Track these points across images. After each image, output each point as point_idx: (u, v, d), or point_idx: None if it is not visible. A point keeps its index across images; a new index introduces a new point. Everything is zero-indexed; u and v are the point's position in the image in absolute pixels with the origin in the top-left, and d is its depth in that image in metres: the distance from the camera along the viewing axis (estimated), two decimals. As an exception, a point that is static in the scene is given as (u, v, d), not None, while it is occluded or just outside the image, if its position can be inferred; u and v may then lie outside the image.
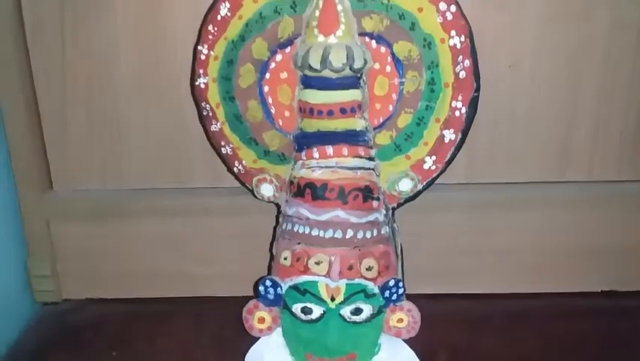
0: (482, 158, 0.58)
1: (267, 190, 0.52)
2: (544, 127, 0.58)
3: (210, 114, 0.52)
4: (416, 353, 0.50)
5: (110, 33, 0.56)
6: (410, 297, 0.50)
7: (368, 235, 0.48)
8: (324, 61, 0.45)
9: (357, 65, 0.46)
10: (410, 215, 0.54)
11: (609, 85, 0.56)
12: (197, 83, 0.51)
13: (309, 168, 0.48)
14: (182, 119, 0.57)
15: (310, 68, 0.46)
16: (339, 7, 0.46)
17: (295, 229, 0.49)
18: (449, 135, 0.49)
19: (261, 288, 0.49)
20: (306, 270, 0.47)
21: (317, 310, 0.48)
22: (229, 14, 0.49)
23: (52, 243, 0.62)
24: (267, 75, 0.50)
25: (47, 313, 0.63)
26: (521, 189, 0.60)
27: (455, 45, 0.47)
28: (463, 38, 0.47)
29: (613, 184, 0.60)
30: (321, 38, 0.46)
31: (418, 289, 0.53)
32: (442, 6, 0.46)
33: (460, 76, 0.48)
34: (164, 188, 0.61)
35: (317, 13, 0.46)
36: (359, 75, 0.47)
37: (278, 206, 0.53)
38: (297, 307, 0.48)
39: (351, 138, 0.48)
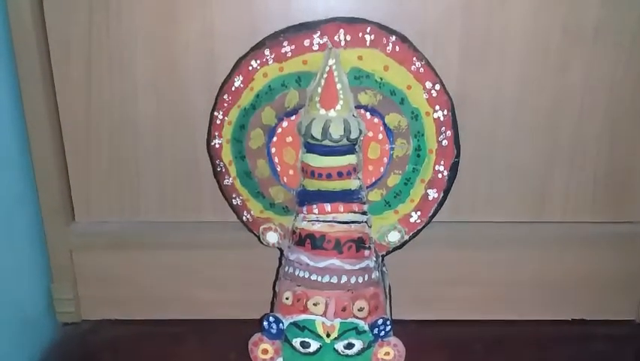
0: (464, 199, 0.62)
1: (272, 237, 0.56)
2: (523, 173, 0.62)
3: (223, 170, 0.57)
4: None
5: (132, 82, 0.59)
6: (397, 323, 0.54)
7: (360, 280, 0.53)
8: (325, 132, 0.50)
9: (353, 135, 0.51)
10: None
11: (582, 135, 0.60)
12: (212, 143, 0.56)
13: (310, 221, 0.53)
14: (196, 163, 0.61)
15: (312, 137, 0.51)
16: (339, 85, 0.51)
17: (296, 273, 0.53)
18: (433, 194, 0.54)
19: (265, 323, 0.53)
20: (305, 310, 0.52)
21: (314, 345, 0.53)
22: (242, 85, 0.53)
23: (74, 269, 0.66)
24: (275, 139, 0.54)
25: (68, 333, 0.67)
26: (500, 227, 0.64)
27: (439, 118, 0.52)
28: (445, 112, 0.52)
29: (585, 225, 0.64)
30: (322, 111, 0.51)
31: (404, 315, 0.57)
32: (428, 85, 0.51)
33: (443, 144, 0.53)
34: (177, 222, 0.65)
35: (319, 89, 0.51)
36: (355, 143, 0.52)
37: (281, 250, 0.57)
38: (296, 341, 0.53)
39: (347, 196, 0.53)
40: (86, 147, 0.62)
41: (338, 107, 0.51)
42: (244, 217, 0.58)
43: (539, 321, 0.66)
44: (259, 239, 0.57)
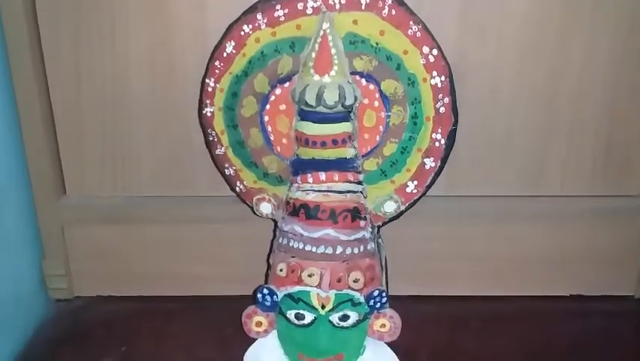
0: (462, 173, 0.62)
1: (265, 208, 0.55)
2: (521, 146, 0.61)
3: (215, 140, 0.56)
4: (398, 354, 0.54)
5: (124, 56, 0.58)
6: (393, 298, 0.53)
7: (356, 251, 0.52)
8: (319, 98, 0.49)
9: (348, 101, 0.50)
10: (396, 223, 0.57)
11: (581, 109, 0.60)
12: (204, 112, 0.55)
13: (304, 190, 0.52)
14: (189, 135, 0.60)
15: (306, 104, 0.50)
16: (334, 50, 0.50)
17: (290, 244, 0.53)
18: (429, 163, 0.53)
19: (259, 295, 0.53)
20: (299, 281, 0.52)
21: (309, 317, 0.52)
22: (234, 51, 0.52)
23: (65, 245, 0.65)
24: (268, 106, 0.53)
25: (60, 310, 0.66)
26: (498, 201, 0.63)
27: (436, 84, 0.51)
28: (443, 78, 0.51)
29: (584, 199, 0.63)
30: (316, 77, 0.50)
31: (401, 291, 0.57)
32: (425, 49, 0.50)
33: (440, 111, 0.52)
34: (171, 196, 0.64)
35: (313, 54, 0.50)
36: (350, 110, 0.51)
37: (275, 221, 0.56)
38: (291, 313, 0.52)
39: (342, 165, 0.52)
40: (76, 120, 0.61)
41: (332, 72, 0.50)
42: (237, 188, 0.57)
43: (537, 297, 0.66)
44: (252, 210, 0.57)
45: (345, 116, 0.51)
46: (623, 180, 0.63)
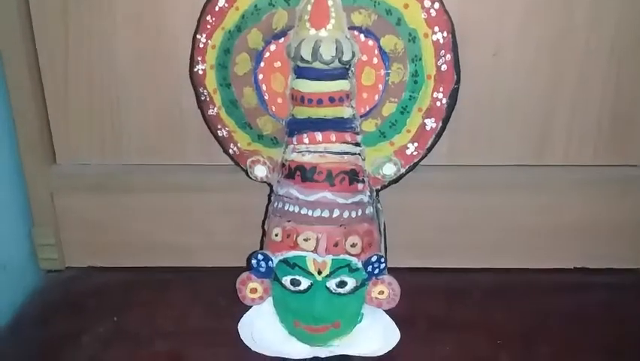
0: (464, 141, 0.60)
1: (260, 171, 0.54)
2: (524, 113, 0.60)
3: (208, 99, 0.54)
4: (396, 322, 0.53)
5: (111, 17, 0.57)
6: (392, 270, 0.52)
7: (353, 215, 0.51)
8: (315, 53, 0.47)
9: (346, 57, 0.48)
10: (394, 194, 0.56)
11: (587, 74, 0.58)
12: (195, 70, 0.53)
13: (300, 152, 0.51)
14: (179, 100, 0.59)
15: (302, 59, 0.48)
16: (330, 2, 0.48)
17: (286, 208, 0.51)
18: (430, 124, 0.52)
19: (254, 261, 0.51)
20: (295, 246, 0.50)
21: (305, 283, 0.51)
22: (226, 5, 0.50)
23: (55, 213, 0.64)
24: (262, 64, 0.51)
25: (51, 281, 0.65)
26: (500, 171, 0.62)
27: (438, 40, 0.49)
28: (445, 34, 0.49)
29: (588, 168, 0.62)
30: (312, 31, 0.48)
31: (400, 263, 0.55)
32: (427, 3, 0.48)
33: (442, 69, 0.50)
34: (162, 164, 0.63)
35: (309, 7, 0.48)
36: (347, 67, 0.49)
37: (270, 185, 0.55)
38: (286, 280, 0.51)
39: (339, 125, 0.50)
40: (64, 86, 0.60)
41: (329, 26, 0.48)
42: (230, 150, 0.56)
43: (540, 270, 0.65)
44: (247, 173, 0.55)
45: (342, 73, 0.49)
46: (629, 148, 0.61)
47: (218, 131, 0.55)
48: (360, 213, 0.51)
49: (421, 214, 0.63)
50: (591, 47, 0.57)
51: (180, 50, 0.56)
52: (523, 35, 0.57)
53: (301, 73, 0.49)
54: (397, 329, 0.52)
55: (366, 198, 0.52)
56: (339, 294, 0.51)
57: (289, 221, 0.51)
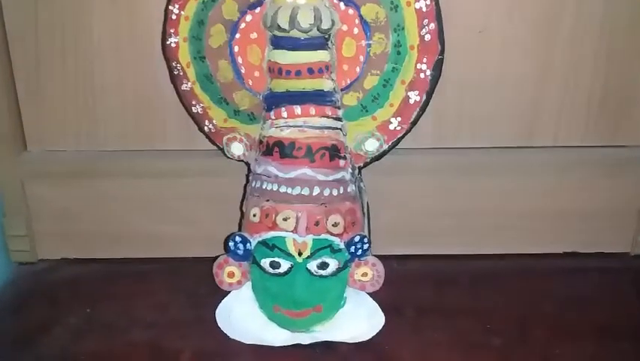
0: (450, 123, 0.59)
1: (237, 149, 0.52)
2: (512, 93, 0.58)
3: (181, 74, 0.52)
4: (383, 311, 0.51)
5: None
6: (379, 258, 0.51)
7: (335, 193, 0.49)
8: (292, 21, 0.46)
9: (325, 25, 0.47)
10: (379, 178, 0.55)
11: (576, 52, 0.57)
12: (168, 43, 0.51)
13: (278, 127, 0.49)
14: (156, 82, 0.57)
15: (279, 28, 0.46)
16: (308, -32, 0.46)
17: (264, 187, 0.49)
18: (414, 97, 0.50)
19: (231, 243, 0.50)
20: (274, 226, 0.48)
21: (285, 265, 0.49)
22: (200, -26, 0.49)
23: (27, 203, 0.62)
24: (237, 35, 0.50)
25: (23, 273, 0.63)
26: (488, 153, 0.61)
27: (421, 8, 0.48)
28: (428, 2, 0.47)
29: (577, 149, 0.61)
30: (289, -1, 0.46)
31: (385, 250, 0.53)
32: (409, -31, 0.47)
33: (426, 39, 0.48)
34: (138, 150, 0.61)
35: (286, -26, 0.46)
36: (327, 36, 0.48)
37: (248, 165, 0.53)
38: (265, 262, 0.49)
39: (319, 98, 0.48)
40: (36, 67, 0.58)
41: (307, -7, 0.46)
42: (206, 128, 0.54)
43: (529, 255, 0.63)
44: (223, 152, 0.53)
45: (321, 43, 0.48)
46: (620, 128, 0.60)
47: (193, 108, 0.53)
48: (341, 191, 0.49)
49: (407, 200, 0.61)
50: (581, 23, 0.56)
51: (156, 28, 0.54)
52: (510, 12, 0.56)
53: (278, 43, 0.47)
54: (382, 313, 0.51)
55: (348, 176, 0.50)
56: (321, 276, 0.49)
57: (268, 200, 0.49)
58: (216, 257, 0.51)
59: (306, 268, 0.49)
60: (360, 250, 0.49)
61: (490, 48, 0.57)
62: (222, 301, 0.52)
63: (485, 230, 0.62)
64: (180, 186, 0.61)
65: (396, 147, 0.52)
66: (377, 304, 0.50)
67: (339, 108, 0.50)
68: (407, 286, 0.57)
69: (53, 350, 0.52)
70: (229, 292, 0.52)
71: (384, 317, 0.50)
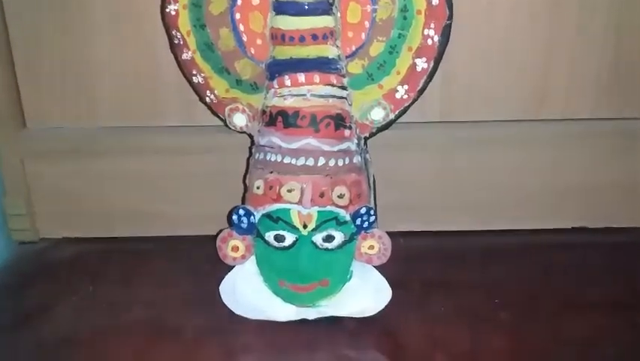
0: (457, 96, 0.58)
1: (239, 120, 0.51)
2: (520, 65, 0.57)
3: (181, 43, 0.51)
4: (390, 285, 0.50)
5: None
6: None
7: (340, 163, 0.48)
8: (296, -16, 0.44)
9: (329, -11, 0.45)
10: (385, 153, 0.54)
11: (585, 24, 0.56)
12: (167, 10, 0.50)
13: (281, 96, 0.48)
14: (156, 57, 0.56)
15: (281, -9, 0.45)
16: None
17: (267, 158, 0.48)
18: (421, 64, 0.49)
19: (235, 217, 0.48)
20: (278, 198, 0.47)
21: (289, 238, 0.48)
22: (199, -63, 0.47)
23: (27, 182, 0.62)
24: (239, 2, 0.48)
25: (24, 252, 0.63)
26: (496, 127, 0.60)
27: (428, -29, 0.46)
28: (435, -36, 0.46)
29: (587, 122, 0.60)
30: (293, -37, 0.45)
31: (393, 227, 0.52)
32: None
33: (433, 3, 0.47)
34: (139, 126, 0.60)
35: (288, -64, 0.45)
36: (331, 1, 0.46)
37: (251, 137, 0.52)
38: (270, 235, 0.48)
39: (324, 65, 0.47)
40: (34, 44, 0.58)
41: (310, -45, 0.45)
42: (207, 98, 0.52)
43: (538, 230, 0.63)
44: (225, 123, 0.52)
45: (325, 8, 0.46)
46: (629, 101, 0.59)
47: (194, 78, 0.52)
48: (347, 161, 0.48)
49: (414, 175, 0.61)
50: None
51: (155, 2, 0.53)
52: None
53: (281, 8, 0.46)
54: (389, 287, 0.49)
55: (353, 146, 0.49)
56: (327, 249, 0.48)
57: (271, 172, 0.48)
58: (220, 231, 0.50)
59: (312, 241, 0.48)
60: (367, 223, 0.48)
61: (497, 19, 0.56)
62: (226, 276, 0.50)
63: (493, 205, 0.62)
64: (181, 163, 0.60)
65: (403, 120, 0.51)
66: (384, 278, 0.49)
67: (344, 76, 0.49)
68: (414, 262, 0.57)
69: (56, 329, 0.52)
70: (233, 267, 0.51)
71: (391, 291, 0.49)
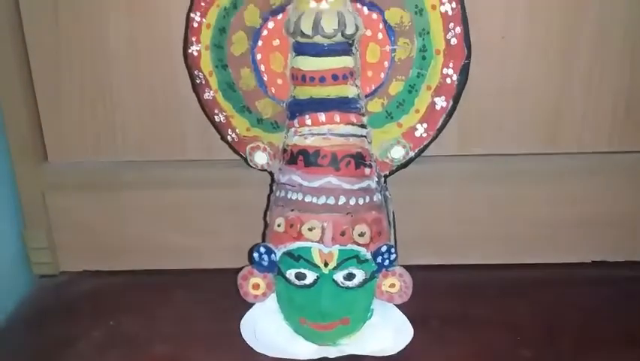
0: (473, 129, 0.58)
1: (260, 158, 0.51)
2: (536, 98, 0.58)
3: (203, 82, 0.52)
4: (409, 320, 0.50)
5: (102, 5, 0.55)
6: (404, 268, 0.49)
7: (360, 202, 0.48)
8: (316, 27, 0.45)
9: (349, 31, 0.46)
10: (403, 186, 0.54)
11: (600, 56, 0.56)
12: (189, 51, 0.51)
13: (302, 135, 0.48)
14: (176, 92, 0.57)
15: (302, 34, 0.45)
16: (331, -27, 0.46)
17: (288, 196, 0.48)
18: (440, 102, 0.49)
19: (256, 255, 0.49)
20: (299, 236, 0.47)
21: (310, 276, 0.48)
22: (221, -19, 0.48)
23: (48, 215, 0.62)
24: (260, 43, 0.49)
25: (44, 286, 0.63)
26: (512, 160, 0.60)
27: (446, 12, 0.47)
28: (454, 5, 0.46)
29: (603, 155, 0.60)
30: (312, 4, 0.46)
31: (411, 260, 0.52)
32: (434, -28, 0.46)
33: (452, 43, 0.47)
34: (159, 160, 0.61)
35: (309, -21, 0.46)
36: (351, 42, 0.47)
37: (271, 174, 0.52)
38: (291, 273, 0.48)
39: (343, 105, 0.48)
40: (56, 79, 0.59)
41: (330, -1, 0.46)
42: (228, 137, 0.53)
43: (556, 264, 0.62)
44: (246, 161, 0.52)
45: (345, 48, 0.47)
46: (645, 134, 0.59)
47: (215, 117, 0.53)
48: (367, 200, 0.48)
49: (432, 208, 0.60)
50: (603, 29, 0.55)
51: (175, 37, 0.54)
52: (533, 16, 0.55)
53: (301, 49, 0.47)
54: (410, 326, 0.49)
55: (373, 184, 0.49)
56: (348, 288, 0.48)
57: (292, 210, 0.48)
58: (240, 268, 0.51)
59: (333, 280, 0.48)
60: (387, 261, 0.48)
61: (512, 53, 0.56)
62: (247, 313, 0.51)
63: (511, 238, 0.61)
64: (201, 197, 0.61)
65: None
66: (405, 317, 0.49)
67: (363, 115, 0.49)
68: (433, 296, 0.56)
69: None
70: (253, 304, 0.51)
71: (412, 330, 0.49)
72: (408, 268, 0.50)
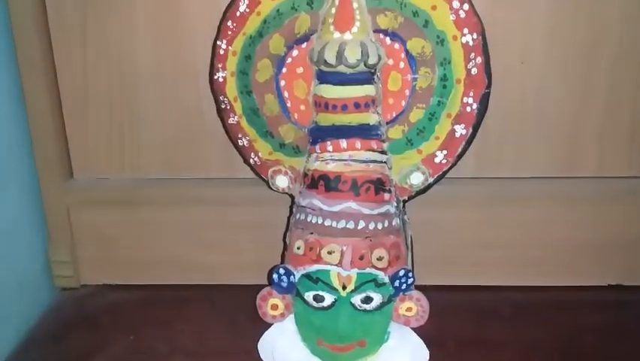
0: (491, 153, 0.59)
1: (282, 181, 0.52)
2: (554, 122, 0.58)
3: (228, 107, 0.53)
4: (424, 342, 0.50)
5: (130, 27, 0.57)
6: (419, 288, 0.50)
7: (379, 226, 0.48)
8: (340, 57, 0.46)
9: (372, 60, 0.47)
10: (421, 208, 0.54)
11: (618, 80, 0.56)
12: (215, 77, 0.52)
13: (323, 160, 0.49)
14: (200, 111, 0.58)
15: (326, 63, 0.46)
16: (355, 5, 0.46)
17: (308, 220, 0.49)
18: (460, 130, 0.50)
19: (275, 276, 0.49)
20: (318, 259, 0.48)
21: (329, 298, 0.48)
22: (248, 10, 0.49)
23: (71, 230, 0.63)
24: (284, 70, 0.50)
25: (66, 298, 0.64)
26: (530, 184, 0.60)
27: (467, 42, 0.47)
28: (475, 36, 0.47)
29: (622, 180, 0.60)
30: (336, 35, 0.46)
31: (427, 280, 0.53)
32: (455, 4, 0.47)
33: (472, 72, 0.48)
34: (182, 178, 0.62)
35: (333, 10, 0.47)
36: (373, 71, 0.48)
37: (292, 197, 0.53)
38: (309, 295, 0.49)
39: (365, 132, 0.48)
40: (83, 98, 0.60)
41: (354, 29, 0.46)
42: (251, 160, 0.54)
43: (571, 287, 0.62)
44: (268, 184, 0.53)
45: (367, 77, 0.47)
46: (665, 158, 0.59)
47: (239, 141, 0.54)
48: (386, 224, 0.49)
49: (448, 230, 0.61)
50: (623, 49, 0.55)
51: (201, 59, 0.55)
52: (551, 41, 0.55)
53: (325, 78, 0.47)
54: (426, 349, 0.50)
55: (392, 209, 0.50)
56: (365, 310, 0.48)
57: (312, 233, 0.49)
58: (259, 285, 0.51)
59: (350, 302, 0.48)
60: (405, 285, 0.48)
61: (530, 78, 0.56)
62: (265, 333, 0.51)
63: (527, 261, 0.61)
64: (222, 214, 0.61)
65: (438, 176, 0.52)
66: (421, 340, 0.49)
67: (384, 142, 0.50)
68: (448, 317, 0.56)
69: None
70: (270, 323, 0.51)
71: (428, 353, 0.49)
72: (423, 288, 0.50)
